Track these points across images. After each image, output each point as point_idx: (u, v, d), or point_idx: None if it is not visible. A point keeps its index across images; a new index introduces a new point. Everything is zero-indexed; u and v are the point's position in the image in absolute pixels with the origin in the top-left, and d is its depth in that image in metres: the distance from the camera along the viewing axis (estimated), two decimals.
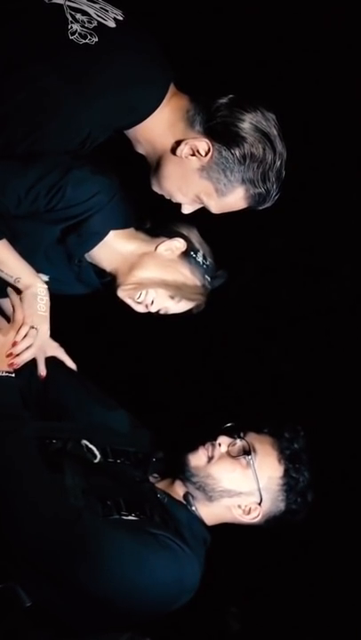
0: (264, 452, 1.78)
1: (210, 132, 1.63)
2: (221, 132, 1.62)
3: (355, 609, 2.19)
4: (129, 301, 1.89)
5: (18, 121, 1.58)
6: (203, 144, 1.63)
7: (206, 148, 1.63)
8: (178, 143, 1.65)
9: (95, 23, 1.61)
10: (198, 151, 1.64)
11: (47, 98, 1.56)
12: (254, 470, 1.75)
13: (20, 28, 1.58)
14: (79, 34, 1.58)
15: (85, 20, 1.60)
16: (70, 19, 1.59)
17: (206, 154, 1.63)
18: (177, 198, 1.75)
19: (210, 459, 1.77)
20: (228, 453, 1.78)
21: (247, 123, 1.61)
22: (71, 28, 1.58)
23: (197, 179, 1.67)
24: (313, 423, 2.15)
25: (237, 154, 1.62)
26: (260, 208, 1.72)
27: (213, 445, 1.79)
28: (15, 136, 1.60)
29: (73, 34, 1.58)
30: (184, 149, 1.64)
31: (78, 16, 1.60)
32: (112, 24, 1.63)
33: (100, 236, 1.82)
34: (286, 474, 1.78)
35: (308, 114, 2.33)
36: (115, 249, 1.85)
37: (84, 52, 1.57)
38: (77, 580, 1.51)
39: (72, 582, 1.52)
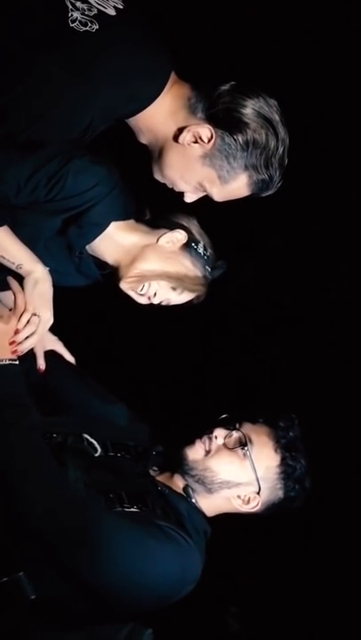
0: (260, 442, 1.80)
1: (212, 119, 1.62)
2: (224, 119, 1.61)
3: (355, 608, 2.18)
4: (131, 293, 1.88)
5: (19, 110, 1.57)
6: (205, 130, 1.62)
7: (209, 135, 1.62)
8: (180, 131, 1.65)
9: (95, 11, 1.60)
10: (201, 138, 1.63)
11: (48, 86, 1.55)
12: (251, 461, 1.77)
13: (21, 17, 1.58)
14: (79, 21, 1.58)
15: (85, 7, 1.60)
16: (70, 7, 1.59)
17: (209, 140, 1.63)
18: (180, 186, 1.74)
19: (207, 452, 1.79)
20: (225, 445, 1.79)
21: (250, 108, 1.60)
22: (71, 15, 1.58)
23: (200, 166, 1.66)
24: (311, 419, 2.15)
25: (240, 140, 1.61)
26: (263, 195, 1.70)
27: (210, 438, 1.80)
28: (16, 125, 1.59)
29: (73, 22, 1.57)
30: (186, 136, 1.64)
31: (78, 4, 1.60)
32: (112, 12, 1.63)
33: (100, 228, 1.81)
34: (283, 462, 1.79)
35: (306, 112, 2.34)
36: (116, 241, 1.85)
37: (85, 39, 1.57)
38: (81, 568, 1.51)
39: (75, 570, 1.52)
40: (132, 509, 1.62)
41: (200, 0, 2.36)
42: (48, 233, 1.79)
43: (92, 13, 1.60)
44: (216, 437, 1.80)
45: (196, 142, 1.64)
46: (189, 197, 1.76)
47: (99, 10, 1.61)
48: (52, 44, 1.56)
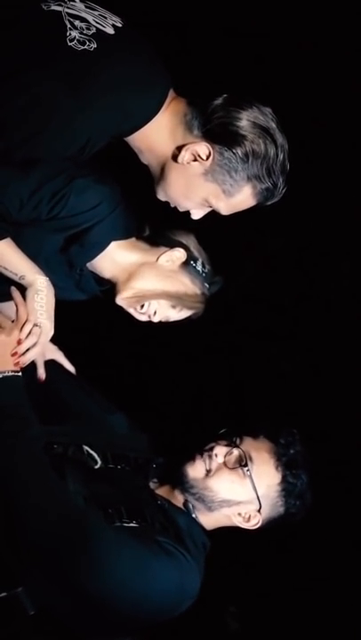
0: (261, 459, 1.79)
1: (209, 135, 1.62)
2: (220, 134, 1.61)
3: (354, 608, 2.20)
4: (131, 311, 1.90)
5: (16, 127, 1.56)
6: (203, 148, 1.62)
7: (207, 152, 1.62)
8: (179, 149, 1.64)
9: (94, 30, 1.60)
10: (200, 155, 1.63)
11: (44, 104, 1.54)
12: (252, 480, 1.77)
13: (19, 35, 1.57)
14: (78, 40, 1.57)
15: (84, 26, 1.59)
16: (69, 25, 1.58)
17: (208, 157, 1.62)
18: (184, 205, 1.74)
19: (208, 471, 1.78)
20: (225, 464, 1.78)
21: (245, 120, 1.60)
22: (70, 34, 1.57)
23: (203, 182, 1.66)
24: (312, 422, 2.16)
25: (239, 152, 1.61)
26: (269, 203, 1.70)
27: (210, 457, 1.79)
28: (13, 142, 1.58)
29: (72, 40, 1.57)
30: (185, 156, 1.64)
31: (77, 23, 1.59)
32: (111, 31, 1.62)
33: (102, 246, 1.82)
34: (284, 480, 1.79)
35: (304, 113, 2.32)
36: (116, 259, 1.86)
37: (83, 58, 1.56)
38: (79, 582, 1.51)
39: (74, 584, 1.52)
40: (131, 524, 1.62)
41: (198, 17, 2.34)
42: (49, 250, 1.79)
43: (91, 32, 1.59)
44: (216, 456, 1.79)
45: (195, 160, 1.64)
46: (196, 214, 1.76)
47: (97, 29, 1.60)
48: (50, 62, 1.55)
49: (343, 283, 2.52)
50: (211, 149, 1.62)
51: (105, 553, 1.53)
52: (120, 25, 1.65)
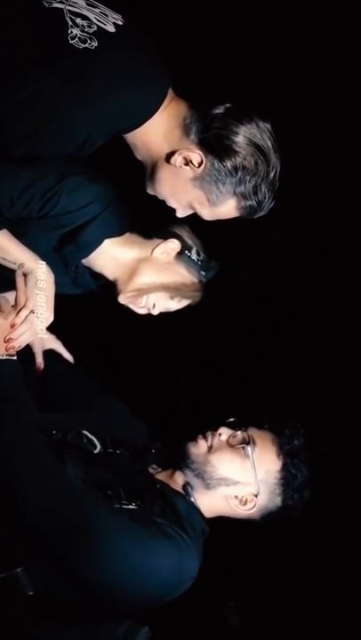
0: (264, 446, 1.81)
1: (204, 143, 1.63)
2: (215, 145, 1.62)
3: (353, 604, 2.19)
4: (131, 306, 1.91)
5: (16, 122, 1.58)
6: (196, 156, 1.63)
7: (199, 160, 1.63)
8: (172, 152, 1.66)
9: (95, 28, 1.60)
10: (192, 162, 1.64)
11: (44, 101, 1.56)
12: (253, 461, 1.78)
13: (20, 32, 1.58)
14: (79, 38, 1.58)
15: (85, 24, 1.60)
16: (70, 23, 1.59)
17: (199, 165, 1.64)
18: (171, 203, 1.76)
19: (210, 448, 1.80)
20: (228, 443, 1.80)
21: (241, 136, 1.61)
22: (71, 32, 1.58)
23: (190, 187, 1.68)
24: (312, 417, 2.16)
25: (229, 166, 1.62)
26: (254, 217, 1.72)
27: (214, 434, 1.82)
28: (12, 138, 1.60)
29: (73, 38, 1.57)
30: (178, 159, 1.65)
31: (78, 20, 1.60)
32: (112, 29, 1.63)
33: (95, 245, 1.83)
34: (284, 468, 1.80)
35: (306, 111, 2.34)
36: (111, 256, 1.87)
37: (84, 56, 1.57)
38: (77, 563, 1.53)
39: (72, 565, 1.54)
40: (130, 506, 1.64)
41: (200, 17, 2.35)
42: (45, 249, 1.80)
43: (92, 30, 1.60)
44: (220, 435, 1.81)
45: (187, 165, 1.65)
46: (181, 213, 1.78)
47: (98, 27, 1.61)
48: (51, 59, 1.56)
49: (343, 279, 2.52)
50: (203, 158, 1.63)
51: (103, 534, 1.55)
52: (121, 23, 1.65)
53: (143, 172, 1.76)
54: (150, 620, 1.73)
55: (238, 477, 1.79)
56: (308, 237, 2.54)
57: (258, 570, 2.34)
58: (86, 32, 1.59)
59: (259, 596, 2.32)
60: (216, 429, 1.82)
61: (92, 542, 1.53)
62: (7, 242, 1.73)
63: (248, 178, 1.63)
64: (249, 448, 1.78)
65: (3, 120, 1.57)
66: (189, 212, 1.76)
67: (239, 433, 1.82)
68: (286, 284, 2.56)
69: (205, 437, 1.82)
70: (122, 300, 1.89)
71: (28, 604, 1.57)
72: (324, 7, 2.34)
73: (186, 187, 1.68)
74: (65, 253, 1.82)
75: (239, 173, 1.62)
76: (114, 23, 1.64)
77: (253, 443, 1.80)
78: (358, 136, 2.39)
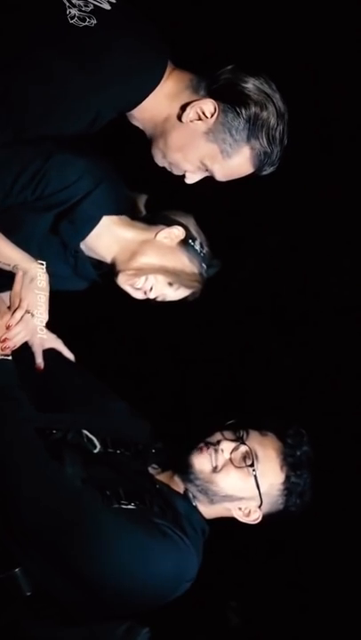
0: (266, 458, 1.79)
1: (215, 94, 1.66)
2: (226, 93, 1.65)
3: (353, 604, 2.19)
4: (127, 288, 1.89)
5: (26, 107, 1.60)
6: (208, 105, 1.65)
7: (212, 109, 1.65)
8: (183, 109, 1.68)
9: (91, 7, 1.63)
10: (204, 113, 1.66)
11: (54, 82, 1.58)
12: (256, 479, 1.77)
13: (21, 17, 1.61)
14: (78, 17, 1.61)
15: (82, 3, 1.63)
16: (67, 4, 1.61)
17: (212, 115, 1.65)
18: (181, 166, 1.75)
19: (215, 468, 1.78)
20: (232, 461, 1.78)
21: (251, 84, 1.64)
22: (69, 12, 1.61)
23: (203, 142, 1.69)
24: (313, 417, 2.16)
25: (243, 112, 1.64)
26: (264, 173, 1.72)
27: (216, 452, 1.79)
28: (24, 122, 1.61)
29: (72, 18, 1.60)
30: (190, 113, 1.66)
31: (74, 0, 1.63)
32: (107, 7, 1.66)
33: (93, 222, 1.82)
34: (287, 480, 1.80)
35: (306, 111, 2.33)
36: (112, 236, 1.86)
37: (86, 34, 1.60)
38: (76, 563, 1.52)
39: (71, 565, 1.53)
40: (129, 506, 1.63)
41: None
42: (41, 232, 1.79)
43: (89, 9, 1.63)
44: (223, 451, 1.79)
45: (199, 119, 1.67)
46: (191, 178, 1.78)
47: (94, 5, 1.64)
48: (55, 40, 1.59)
49: (344, 278, 2.52)
50: (216, 106, 1.65)
51: (100, 534, 1.54)
52: (115, 1, 1.68)
53: (148, 157, 1.77)
54: (150, 620, 1.72)
55: (242, 494, 1.78)
56: (308, 236, 2.54)
57: (259, 570, 2.32)
58: (84, 11, 1.63)
59: (260, 596, 2.31)
60: (218, 444, 1.79)
61: (88, 542, 1.53)
62: (0, 243, 1.73)
63: (261, 122, 1.65)
64: (253, 468, 1.76)
65: (12, 106, 1.59)
66: (200, 175, 1.76)
67: (241, 447, 1.79)
68: (286, 283, 2.56)
69: (208, 451, 1.78)
70: (121, 279, 1.87)
71: (26, 604, 1.56)
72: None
73: (198, 142, 1.69)
74: (63, 233, 1.81)
75: (252, 117, 1.64)
76: (108, 1, 1.68)
77: (256, 457, 1.77)
78: (358, 136, 2.39)
